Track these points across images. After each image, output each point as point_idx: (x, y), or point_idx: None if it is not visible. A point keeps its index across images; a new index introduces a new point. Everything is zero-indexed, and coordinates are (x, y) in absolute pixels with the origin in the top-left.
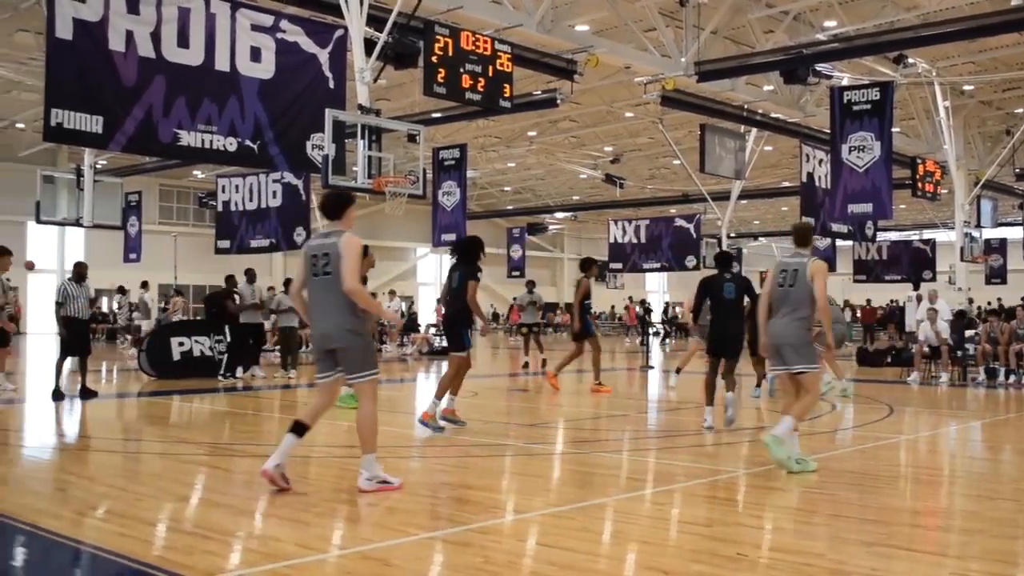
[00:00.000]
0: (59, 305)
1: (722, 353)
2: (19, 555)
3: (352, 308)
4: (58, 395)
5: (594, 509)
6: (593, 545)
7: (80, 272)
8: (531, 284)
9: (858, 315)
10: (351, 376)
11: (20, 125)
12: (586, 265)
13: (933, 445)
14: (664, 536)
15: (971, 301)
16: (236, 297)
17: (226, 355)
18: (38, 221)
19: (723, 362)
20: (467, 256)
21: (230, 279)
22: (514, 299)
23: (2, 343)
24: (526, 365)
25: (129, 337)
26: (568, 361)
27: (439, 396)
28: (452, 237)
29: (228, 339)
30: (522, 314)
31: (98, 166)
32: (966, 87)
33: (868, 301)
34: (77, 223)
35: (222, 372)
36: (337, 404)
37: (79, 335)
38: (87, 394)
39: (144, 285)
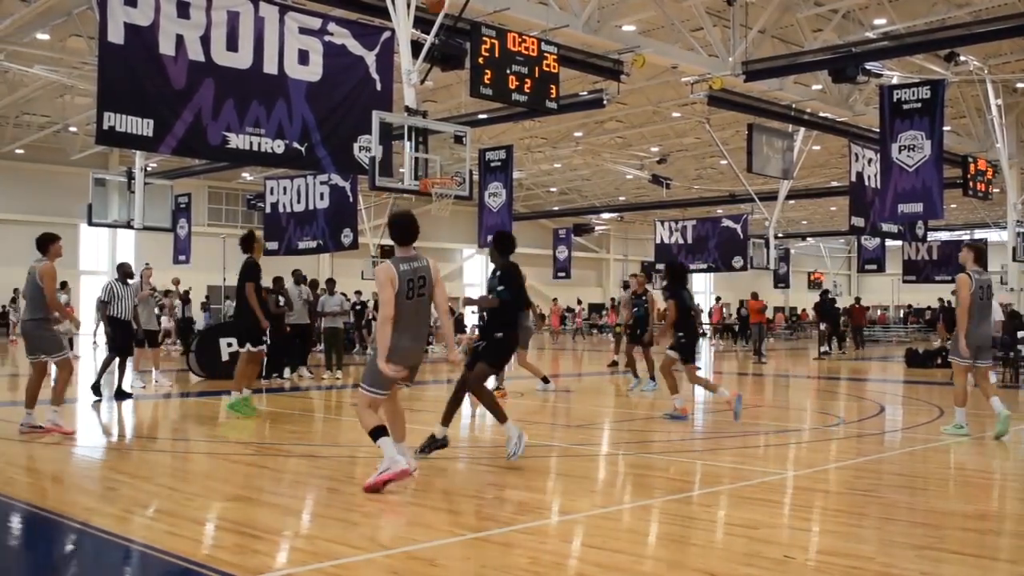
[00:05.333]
0: (104, 304)
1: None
2: (70, 553)
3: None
4: (122, 394)
5: (640, 510)
6: (639, 547)
7: (126, 272)
8: (626, 284)
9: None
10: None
11: (73, 129)
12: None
13: (984, 447)
14: (710, 538)
15: None
16: (279, 299)
17: (266, 357)
18: (90, 223)
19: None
20: None
21: (277, 281)
22: (612, 299)
23: (150, 343)
24: (614, 364)
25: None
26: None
27: None
28: None
29: (268, 341)
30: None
31: (148, 169)
32: (1019, 84)
33: (857, 300)
34: (128, 225)
35: (263, 375)
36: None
37: (122, 335)
38: (121, 395)
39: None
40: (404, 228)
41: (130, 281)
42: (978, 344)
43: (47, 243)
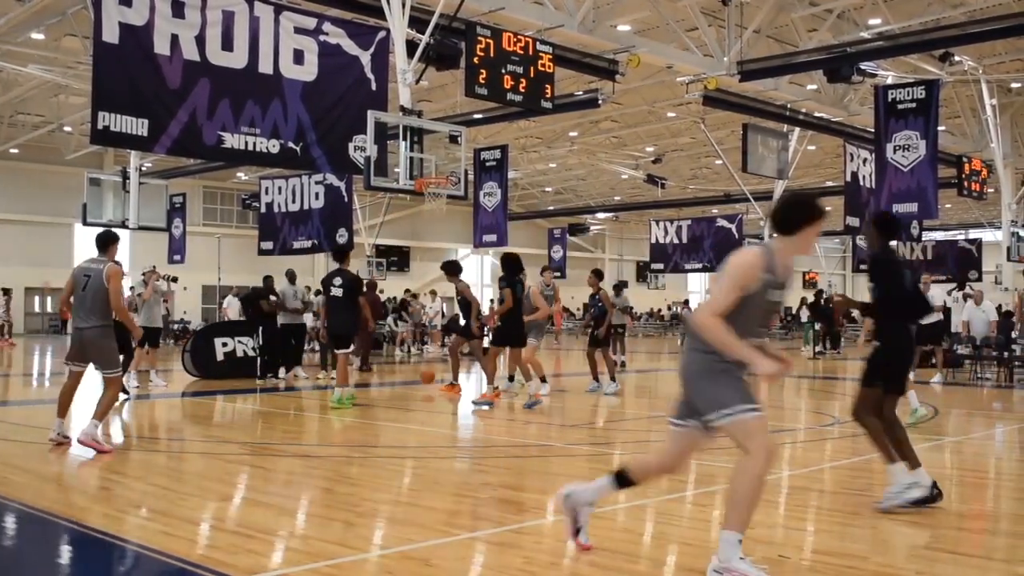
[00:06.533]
0: None
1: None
2: (65, 552)
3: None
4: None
5: (635, 510)
6: (634, 546)
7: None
8: (619, 287)
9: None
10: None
11: (67, 128)
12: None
13: (979, 447)
14: (706, 537)
15: None
16: (272, 298)
17: (259, 357)
18: (85, 223)
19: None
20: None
21: (267, 280)
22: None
23: (151, 342)
24: (623, 364)
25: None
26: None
27: None
28: (493, 238)
29: (260, 341)
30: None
31: (143, 168)
32: (1013, 84)
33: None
34: (123, 225)
35: (259, 375)
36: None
37: (119, 336)
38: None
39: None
40: (778, 211)
41: None
42: None
43: (110, 242)
